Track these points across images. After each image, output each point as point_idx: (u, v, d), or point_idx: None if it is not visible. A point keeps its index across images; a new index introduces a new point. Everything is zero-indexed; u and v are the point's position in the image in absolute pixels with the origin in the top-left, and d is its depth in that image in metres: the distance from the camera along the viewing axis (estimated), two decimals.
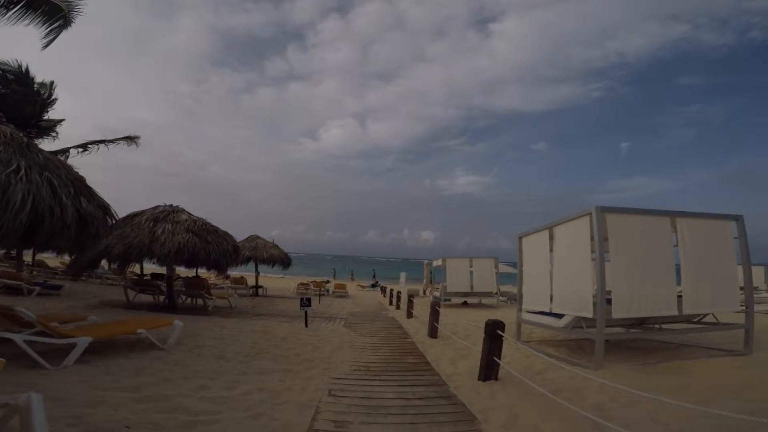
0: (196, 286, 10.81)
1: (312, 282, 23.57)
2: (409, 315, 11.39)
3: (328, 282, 24.44)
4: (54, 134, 14.55)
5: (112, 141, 14.94)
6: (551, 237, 6.52)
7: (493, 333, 4.70)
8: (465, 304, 16.49)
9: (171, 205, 10.21)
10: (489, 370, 4.73)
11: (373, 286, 30.63)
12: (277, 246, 18.20)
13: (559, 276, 6.23)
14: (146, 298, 11.09)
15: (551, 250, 6.55)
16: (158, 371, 4.49)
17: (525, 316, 7.39)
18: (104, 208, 5.34)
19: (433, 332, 7.92)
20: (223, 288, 18.49)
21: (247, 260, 17.10)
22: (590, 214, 5.48)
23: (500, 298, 16.38)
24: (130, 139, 15.16)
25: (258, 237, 18.05)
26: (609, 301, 5.24)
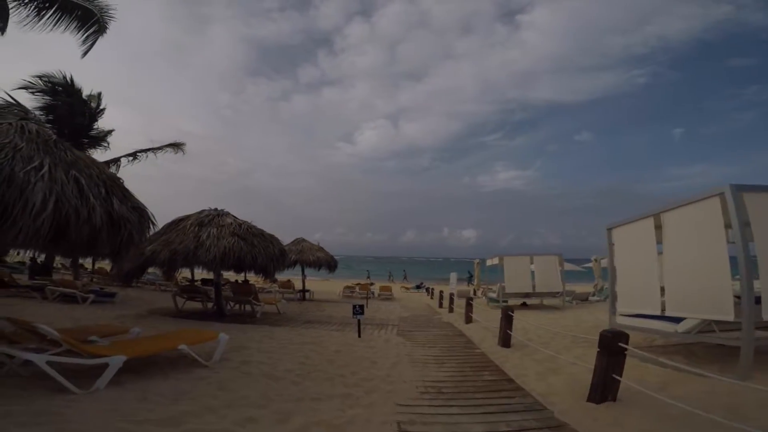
0: (244, 292, 10.42)
1: (357, 285, 23.07)
2: (468, 319, 10.34)
3: (372, 284, 23.80)
4: (105, 144, 15.00)
5: (159, 148, 15.21)
6: (659, 226, 5.27)
7: (613, 346, 3.66)
8: (524, 305, 15.15)
9: (216, 209, 9.85)
10: (606, 389, 3.71)
11: (418, 287, 29.84)
12: (322, 249, 17.73)
13: (674, 272, 5.00)
14: (195, 304, 10.84)
15: (659, 242, 5.30)
16: (200, 396, 3.83)
17: (620, 320, 6.16)
18: (140, 210, 4.82)
19: (505, 341, 6.86)
20: (270, 292, 18.33)
21: (293, 264, 16.75)
22: (721, 194, 4.27)
23: (565, 298, 14.82)
24: (176, 146, 15.38)
25: (304, 240, 17.68)
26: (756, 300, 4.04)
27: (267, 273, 9.86)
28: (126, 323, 7.70)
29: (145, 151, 14.94)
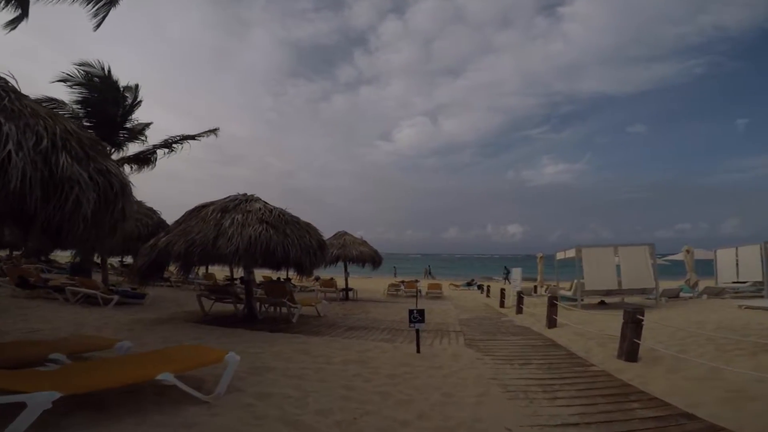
0: (277, 292, 8.98)
1: (402, 282, 21.36)
2: (552, 323, 8.27)
3: (417, 281, 22.00)
4: (143, 138, 14.35)
5: (193, 137, 14.31)
6: None
7: None
8: (602, 303, 12.82)
9: (245, 194, 8.44)
10: None
11: (469, 284, 27.83)
12: (366, 243, 16.18)
13: None
14: (227, 307, 9.53)
15: None
16: None
17: None
18: (107, 174, 3.35)
19: (630, 353, 4.86)
20: (312, 291, 17.00)
21: (335, 260, 15.32)
22: None
23: (657, 296, 12.24)
24: (211, 132, 14.50)
25: (346, 233, 16.21)
26: None
27: (302, 268, 8.34)
28: (134, 330, 6.50)
29: (180, 141, 14.09)
